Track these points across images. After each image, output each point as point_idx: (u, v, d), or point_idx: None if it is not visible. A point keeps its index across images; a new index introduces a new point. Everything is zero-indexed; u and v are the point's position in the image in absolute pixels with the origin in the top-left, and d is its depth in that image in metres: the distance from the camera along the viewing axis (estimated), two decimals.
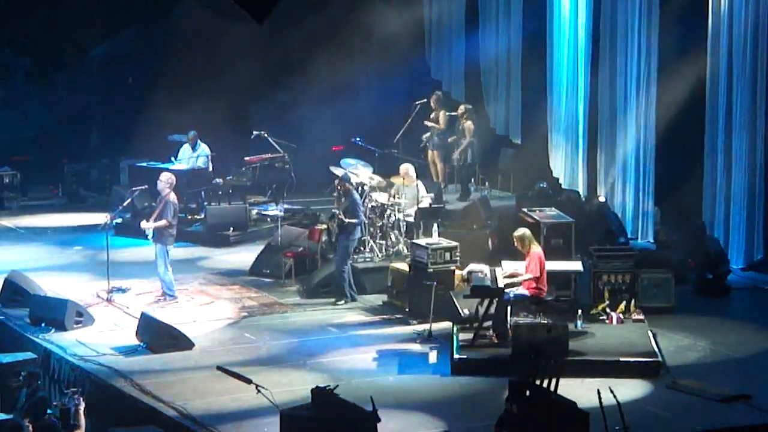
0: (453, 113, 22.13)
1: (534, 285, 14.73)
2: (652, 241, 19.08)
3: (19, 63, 24.44)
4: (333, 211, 17.30)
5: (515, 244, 14.93)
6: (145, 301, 16.72)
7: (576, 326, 14.90)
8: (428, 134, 22.21)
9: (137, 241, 19.78)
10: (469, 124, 21.79)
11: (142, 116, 23.57)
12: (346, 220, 16.74)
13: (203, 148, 21.49)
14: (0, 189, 23.56)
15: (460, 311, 15.07)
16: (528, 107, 22.31)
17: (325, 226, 18.36)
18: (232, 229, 20.60)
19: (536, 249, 14.82)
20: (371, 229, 17.98)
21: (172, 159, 21.53)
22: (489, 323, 14.68)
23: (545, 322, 14.49)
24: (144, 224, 16.70)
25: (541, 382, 10.81)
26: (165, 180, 16.91)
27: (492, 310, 14.62)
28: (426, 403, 13.13)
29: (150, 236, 16.71)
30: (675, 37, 18.83)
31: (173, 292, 16.78)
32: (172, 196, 16.83)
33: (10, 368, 14.59)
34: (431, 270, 15.95)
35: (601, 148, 20.18)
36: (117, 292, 17.03)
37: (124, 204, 18.23)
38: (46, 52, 24.29)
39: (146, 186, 19.02)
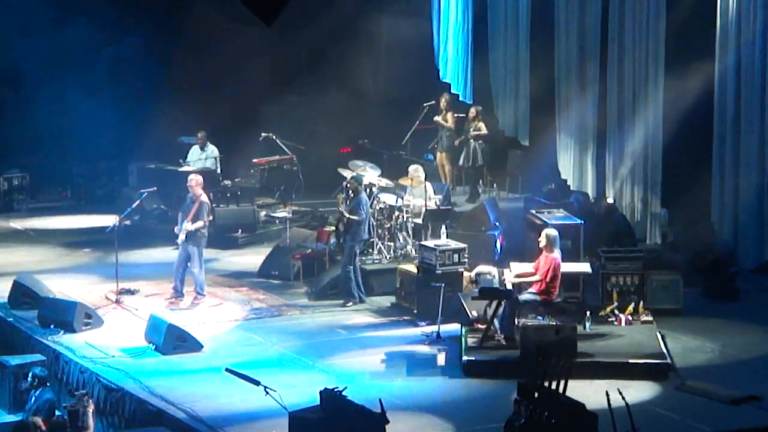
0: (461, 115, 22.13)
1: (543, 288, 14.72)
2: (660, 242, 19.05)
3: (28, 65, 24.47)
4: (340, 211, 17.30)
5: (540, 240, 14.89)
6: (155, 303, 16.75)
7: (584, 328, 14.91)
8: (435, 140, 22.23)
9: (146, 243, 19.91)
10: (481, 126, 21.79)
11: (151, 118, 23.59)
12: (347, 216, 16.77)
13: (212, 149, 21.52)
14: (9, 191, 23.61)
15: (469, 313, 15.07)
16: (536, 109, 22.28)
17: (333, 228, 18.38)
18: (240, 230, 20.63)
19: (554, 254, 14.79)
20: (379, 231, 17.98)
21: (181, 161, 21.56)
22: (497, 325, 14.68)
23: (554, 323, 14.48)
24: (187, 226, 16.67)
25: (550, 384, 10.81)
26: (196, 182, 16.99)
27: (500, 311, 14.62)
28: (434, 404, 13.14)
29: (183, 239, 16.72)
30: (683, 38, 18.80)
31: (204, 291, 16.89)
32: (204, 197, 16.95)
33: (20, 370, 14.65)
34: (439, 272, 15.96)
35: (610, 149, 20.16)
36: (126, 293, 17.06)
37: (133, 206, 18.25)
38: (55, 55, 24.32)
39: (155, 188, 19.06)
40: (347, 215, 16.80)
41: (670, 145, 19.14)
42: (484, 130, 21.81)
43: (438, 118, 21.97)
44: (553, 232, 15.02)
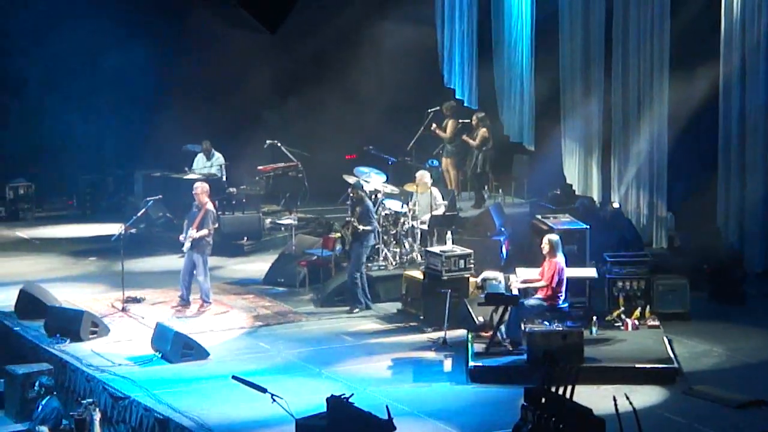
0: (465, 121, 22.10)
1: (549, 293, 14.72)
2: (666, 247, 19.03)
3: (32, 75, 24.52)
4: (347, 219, 17.30)
5: (544, 246, 14.88)
6: (161, 311, 16.76)
7: (591, 333, 14.89)
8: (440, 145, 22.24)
9: (152, 251, 19.92)
10: (483, 131, 21.76)
11: (156, 126, 23.62)
12: (361, 228, 16.78)
13: (218, 157, 21.54)
14: (15, 200, 23.67)
15: (475, 319, 15.06)
16: (541, 114, 22.28)
17: (339, 235, 18.39)
18: (246, 238, 20.63)
19: (556, 259, 14.78)
20: (385, 237, 17.98)
21: (186, 169, 21.57)
22: (504, 330, 14.67)
23: (560, 328, 14.46)
24: (192, 233, 16.65)
25: (557, 389, 10.79)
26: (201, 190, 16.95)
27: (507, 317, 14.61)
28: (441, 411, 13.12)
29: (188, 247, 16.72)
30: (688, 42, 18.79)
31: (210, 299, 16.89)
32: (210, 205, 16.94)
33: (27, 379, 14.66)
34: (445, 278, 15.95)
35: (615, 154, 20.15)
36: (132, 302, 17.06)
37: (139, 214, 18.26)
38: (58, 64, 24.37)
39: (160, 196, 19.06)
40: (359, 226, 16.76)
41: (675, 149, 19.13)
42: (471, 142, 21.70)
43: (437, 130, 21.84)
44: (555, 237, 15.01)
